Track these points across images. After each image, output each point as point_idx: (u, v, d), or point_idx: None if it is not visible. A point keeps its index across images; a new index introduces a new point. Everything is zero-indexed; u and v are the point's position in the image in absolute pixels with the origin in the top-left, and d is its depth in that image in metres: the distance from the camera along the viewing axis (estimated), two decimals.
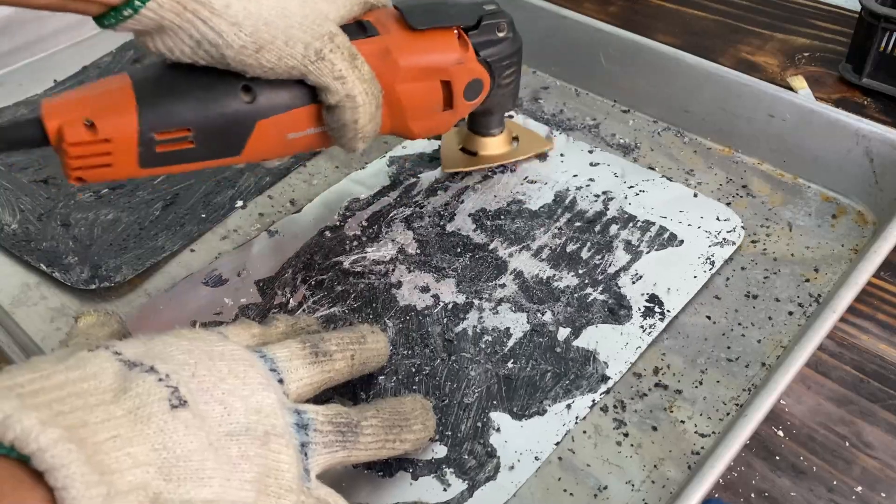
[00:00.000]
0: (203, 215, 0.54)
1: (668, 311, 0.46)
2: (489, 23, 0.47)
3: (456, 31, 0.46)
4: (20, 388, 0.26)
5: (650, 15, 0.75)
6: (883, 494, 0.38)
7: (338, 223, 0.52)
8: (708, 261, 0.49)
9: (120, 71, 0.43)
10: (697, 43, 0.70)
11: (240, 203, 0.55)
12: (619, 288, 0.47)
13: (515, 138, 0.57)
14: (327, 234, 0.52)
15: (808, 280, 0.48)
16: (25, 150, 0.55)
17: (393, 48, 0.43)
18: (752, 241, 0.50)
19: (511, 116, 0.61)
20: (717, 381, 0.42)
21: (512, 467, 0.39)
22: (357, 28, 0.44)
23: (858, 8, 0.61)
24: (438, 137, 0.58)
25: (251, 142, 0.41)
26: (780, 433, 0.41)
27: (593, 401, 0.41)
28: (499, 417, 0.41)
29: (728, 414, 0.41)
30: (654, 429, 0.40)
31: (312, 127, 0.43)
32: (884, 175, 0.52)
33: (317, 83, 0.40)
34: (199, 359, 0.31)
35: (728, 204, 0.53)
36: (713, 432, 0.40)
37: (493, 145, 0.55)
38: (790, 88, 0.63)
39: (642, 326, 0.45)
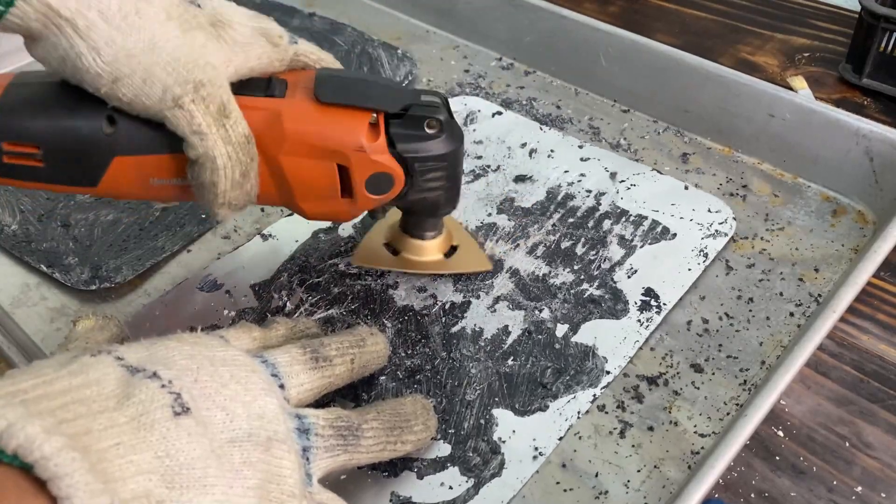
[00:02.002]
0: (203, 215, 0.54)
1: (665, 304, 0.46)
2: (416, 115, 0.40)
3: (373, 116, 0.40)
4: (23, 394, 0.26)
5: (650, 15, 0.75)
6: (883, 494, 0.38)
7: (332, 225, 0.52)
8: (701, 253, 0.49)
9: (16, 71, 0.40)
10: (697, 43, 0.70)
11: None
12: (615, 283, 0.47)
13: (454, 247, 0.49)
14: (321, 236, 0.52)
15: (807, 280, 0.48)
16: None
17: (286, 114, 0.38)
18: (752, 241, 0.50)
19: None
20: (717, 381, 0.42)
21: (516, 463, 0.39)
22: (262, 84, 0.40)
23: (858, 8, 0.61)
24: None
25: (108, 176, 0.38)
26: (780, 433, 0.41)
27: (594, 395, 0.42)
28: (501, 414, 0.41)
29: (728, 414, 0.41)
30: (654, 429, 0.40)
31: (178, 178, 0.39)
32: (884, 175, 0.52)
33: (175, 131, 0.36)
34: (201, 364, 0.31)
35: (721, 199, 0.53)
36: (713, 432, 0.40)
37: (420, 250, 0.48)
38: (790, 88, 0.63)
39: (639, 320, 0.45)
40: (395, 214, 0.48)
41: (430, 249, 0.48)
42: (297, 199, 0.40)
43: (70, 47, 0.34)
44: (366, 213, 0.43)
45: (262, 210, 0.54)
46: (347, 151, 0.39)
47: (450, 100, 0.63)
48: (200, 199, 0.39)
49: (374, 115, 0.40)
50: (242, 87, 0.39)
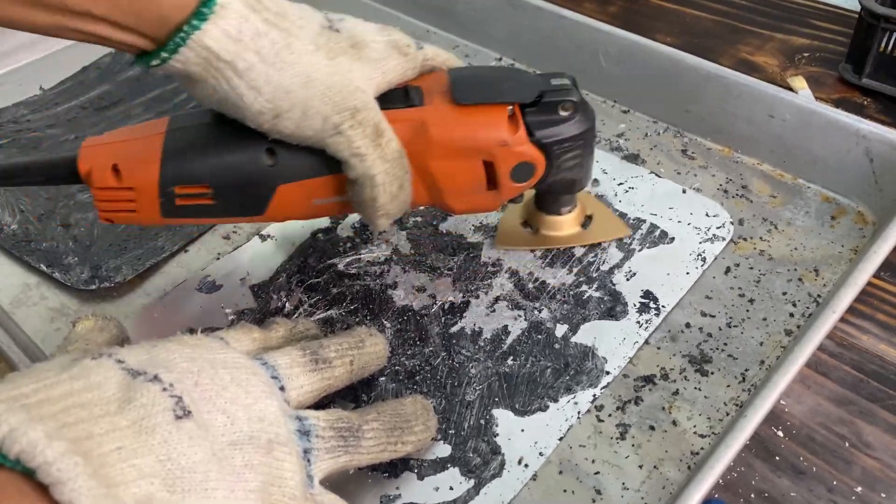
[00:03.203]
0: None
1: (664, 306, 0.46)
2: (550, 100, 0.41)
3: (510, 108, 0.41)
4: (25, 398, 0.26)
5: (650, 15, 0.75)
6: (883, 494, 0.38)
7: (330, 225, 0.52)
8: (699, 257, 0.49)
9: (166, 113, 0.42)
10: (697, 43, 0.70)
11: None
12: (614, 285, 0.47)
13: (589, 217, 0.51)
14: (320, 236, 0.52)
15: (807, 280, 0.48)
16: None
17: (430, 122, 0.40)
18: (752, 242, 0.50)
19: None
20: (717, 382, 0.42)
21: (517, 463, 0.39)
22: (400, 95, 0.41)
23: (858, 8, 0.61)
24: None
25: (273, 203, 0.41)
26: (780, 433, 0.41)
27: (594, 395, 0.42)
28: (501, 414, 0.41)
29: (728, 414, 0.41)
30: (654, 429, 0.40)
31: (338, 195, 0.41)
32: (884, 175, 0.52)
33: (335, 156, 0.38)
34: (202, 367, 0.31)
35: (720, 199, 0.53)
36: (713, 432, 0.40)
37: (559, 225, 0.49)
38: (790, 89, 0.63)
39: (639, 322, 0.45)
40: (528, 193, 0.48)
41: (568, 223, 0.50)
42: (446, 197, 0.42)
43: (231, 88, 0.36)
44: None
45: None
46: (492, 147, 0.40)
47: None
48: (361, 213, 0.41)
49: (511, 107, 0.41)
50: (384, 102, 0.40)
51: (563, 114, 0.42)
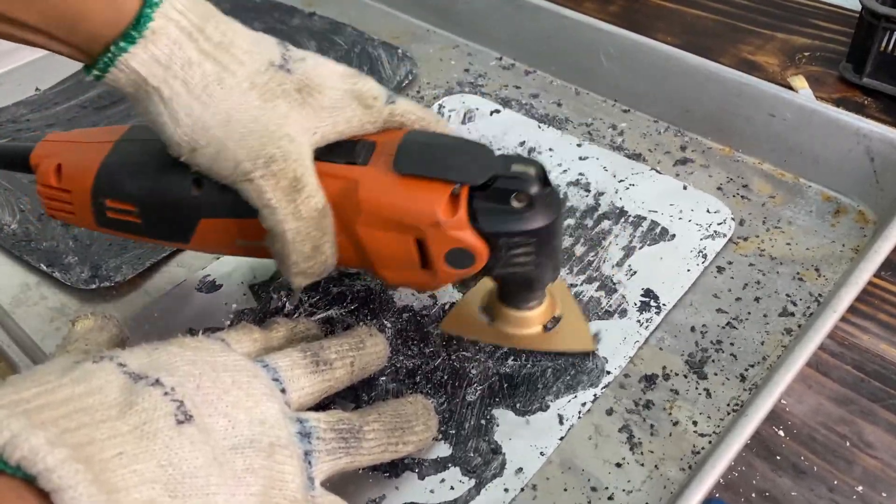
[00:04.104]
0: None
1: (664, 304, 0.46)
2: (501, 188, 0.36)
3: (457, 187, 0.36)
4: (26, 403, 0.26)
5: (650, 15, 0.75)
6: (884, 494, 0.38)
7: None
8: (700, 254, 0.49)
9: (132, 122, 0.42)
10: (697, 43, 0.70)
11: None
12: (615, 283, 0.47)
13: (556, 319, 0.44)
14: None
15: (808, 280, 0.48)
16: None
17: (363, 184, 0.37)
18: (753, 241, 0.50)
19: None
20: (718, 381, 0.42)
21: (517, 464, 0.39)
22: (348, 149, 0.38)
23: (859, 8, 0.61)
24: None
25: (197, 235, 0.40)
26: (781, 433, 0.41)
27: (595, 395, 0.42)
28: (502, 414, 0.41)
29: (728, 413, 0.41)
30: (654, 429, 0.40)
31: (260, 240, 0.38)
32: (884, 174, 0.52)
33: (248, 202, 0.36)
34: (203, 370, 0.31)
35: (721, 199, 0.53)
36: (713, 432, 0.40)
37: (517, 322, 0.43)
38: (790, 88, 0.63)
39: (639, 321, 0.45)
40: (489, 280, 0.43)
41: (528, 321, 0.43)
42: (377, 267, 0.39)
43: (157, 114, 0.35)
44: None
45: None
46: (422, 226, 0.36)
47: (447, 98, 0.63)
48: (278, 266, 0.39)
49: (458, 186, 0.37)
50: (328, 152, 0.38)
51: (516, 205, 0.37)
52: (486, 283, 0.44)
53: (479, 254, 0.37)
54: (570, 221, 0.52)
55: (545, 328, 0.44)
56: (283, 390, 0.34)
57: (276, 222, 0.36)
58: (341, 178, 0.37)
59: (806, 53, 0.68)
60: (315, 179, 0.36)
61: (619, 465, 0.39)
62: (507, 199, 0.37)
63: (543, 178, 0.37)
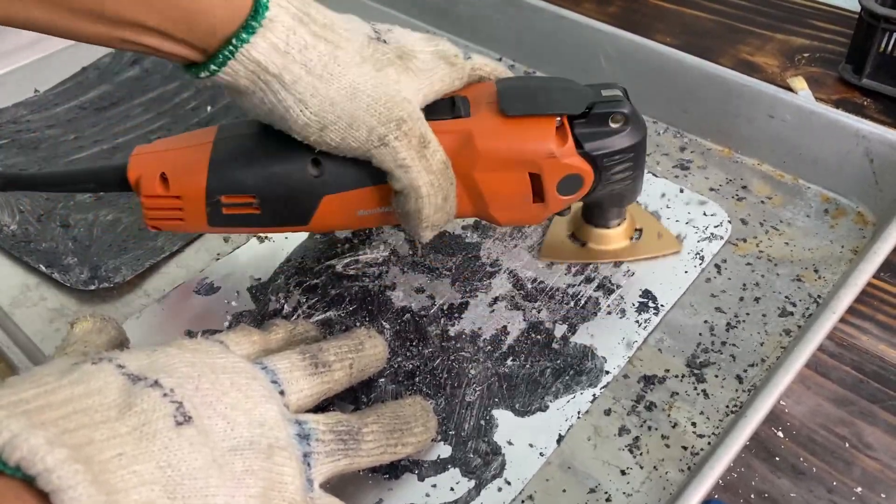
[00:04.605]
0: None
1: (662, 305, 0.46)
2: (600, 112, 0.40)
3: (558, 120, 0.40)
4: (25, 404, 0.26)
5: (650, 15, 0.75)
6: (883, 495, 0.38)
7: None
8: (697, 256, 0.49)
9: (214, 123, 0.43)
10: (697, 43, 0.70)
11: None
12: (612, 284, 0.47)
13: (639, 230, 0.50)
14: (318, 237, 0.52)
15: (807, 281, 0.48)
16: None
17: (476, 133, 0.40)
18: (752, 242, 0.50)
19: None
20: (717, 382, 0.42)
21: (517, 465, 0.39)
22: (447, 106, 0.41)
23: (858, 8, 0.61)
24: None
25: (318, 214, 0.41)
26: (780, 434, 0.41)
27: (594, 395, 0.42)
28: (501, 415, 0.41)
29: (727, 414, 0.41)
30: (654, 430, 0.40)
31: (382, 206, 0.41)
32: (884, 176, 0.52)
33: (381, 167, 0.38)
34: (202, 371, 0.31)
35: (721, 200, 0.53)
36: (712, 433, 0.40)
37: (607, 238, 0.48)
38: (790, 89, 0.63)
39: (637, 321, 0.45)
40: (575, 205, 0.47)
41: (616, 237, 0.48)
42: (491, 209, 0.42)
43: (278, 101, 0.36)
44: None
45: None
46: (539, 159, 0.40)
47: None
48: (405, 224, 0.41)
49: (559, 118, 0.40)
50: (431, 112, 0.40)
51: (614, 126, 0.41)
52: (567, 216, 0.49)
53: (587, 177, 0.41)
54: None
55: (632, 240, 0.49)
56: (281, 392, 0.34)
57: (412, 179, 0.38)
58: (453, 132, 0.40)
59: (805, 54, 0.68)
60: (434, 136, 0.39)
61: (618, 466, 0.39)
62: (605, 121, 0.41)
63: (628, 98, 0.42)
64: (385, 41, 0.39)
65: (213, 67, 0.35)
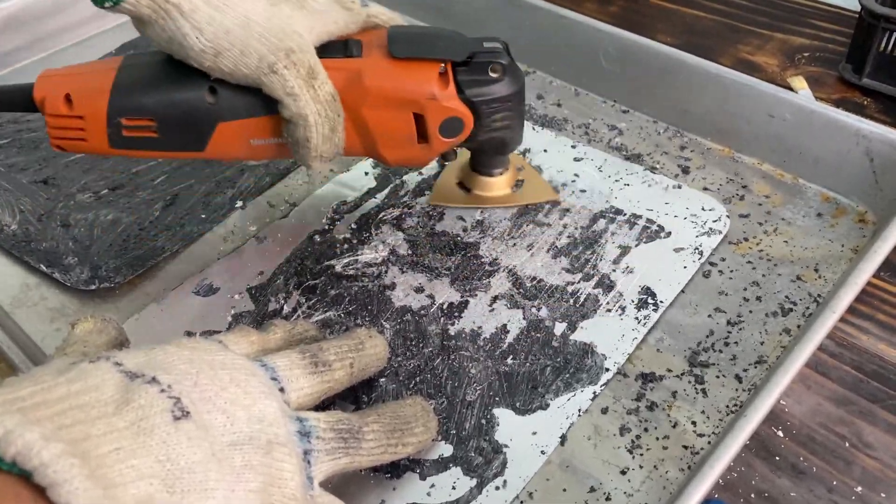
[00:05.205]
0: (203, 216, 0.54)
1: (662, 301, 0.46)
2: (481, 61, 0.44)
3: (442, 66, 0.43)
4: (21, 401, 0.26)
5: (650, 15, 0.75)
6: (883, 495, 0.38)
7: (326, 227, 0.52)
8: (696, 251, 0.49)
9: (122, 53, 0.45)
10: (697, 43, 0.70)
11: (239, 203, 0.55)
12: (612, 281, 0.47)
13: (521, 181, 0.54)
14: (317, 238, 0.52)
15: (807, 280, 0.48)
16: (16, 112, 0.56)
17: (365, 72, 0.43)
18: (752, 241, 0.50)
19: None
20: (717, 381, 0.42)
21: (518, 463, 0.39)
22: (340, 47, 0.44)
23: (858, 8, 0.61)
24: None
25: (213, 140, 0.43)
26: (780, 433, 0.41)
27: (594, 393, 0.42)
28: (502, 414, 0.41)
29: (728, 414, 0.41)
30: (654, 429, 0.40)
31: (275, 137, 0.43)
32: (884, 175, 0.52)
33: (271, 95, 0.41)
34: (200, 368, 0.31)
35: (721, 199, 0.53)
36: (713, 432, 0.40)
37: (490, 186, 0.53)
38: (790, 88, 0.63)
39: (637, 318, 0.45)
40: (464, 156, 0.52)
41: (499, 185, 0.52)
42: (379, 147, 0.45)
43: (176, 29, 0.39)
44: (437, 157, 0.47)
45: (271, 205, 0.54)
46: (422, 100, 0.43)
47: None
48: (296, 154, 0.43)
49: (443, 64, 0.43)
50: (324, 51, 0.43)
51: (493, 75, 0.44)
52: (456, 164, 0.54)
53: (467, 121, 0.44)
54: (566, 220, 0.52)
55: (513, 189, 0.53)
56: (281, 389, 0.34)
57: (300, 107, 0.40)
58: (344, 69, 0.43)
59: (805, 54, 0.68)
60: (323, 69, 0.41)
61: (618, 465, 0.39)
62: (485, 70, 0.44)
63: (508, 51, 0.45)
64: None
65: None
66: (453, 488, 0.38)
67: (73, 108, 0.42)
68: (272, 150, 0.44)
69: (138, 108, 0.42)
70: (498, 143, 0.48)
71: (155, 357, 0.30)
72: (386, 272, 0.49)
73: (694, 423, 0.40)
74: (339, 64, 0.43)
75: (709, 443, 0.39)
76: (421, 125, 0.44)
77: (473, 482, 0.38)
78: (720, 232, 0.50)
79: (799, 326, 0.45)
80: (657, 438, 0.40)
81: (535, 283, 0.48)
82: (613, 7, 0.76)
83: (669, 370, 0.43)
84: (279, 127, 0.42)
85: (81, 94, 0.42)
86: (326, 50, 0.43)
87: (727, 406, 0.41)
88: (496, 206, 0.52)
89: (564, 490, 0.38)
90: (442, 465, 0.39)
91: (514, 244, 0.50)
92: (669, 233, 0.51)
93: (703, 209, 0.52)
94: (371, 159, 0.58)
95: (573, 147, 0.58)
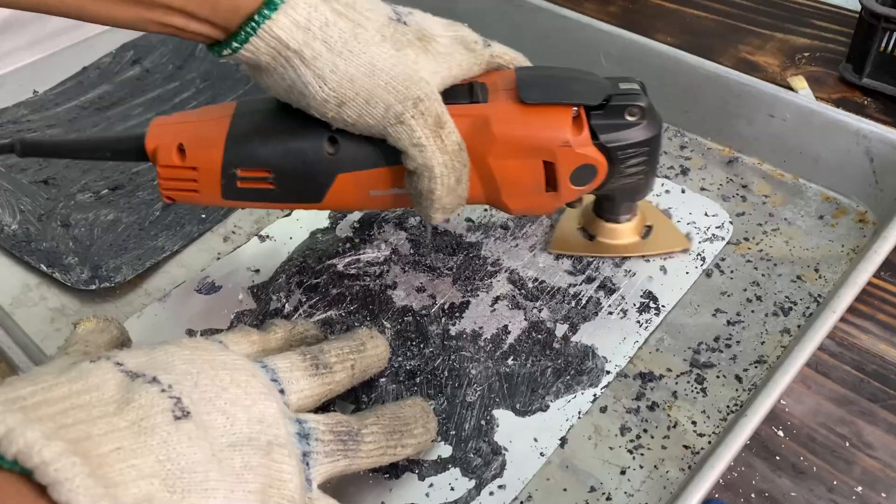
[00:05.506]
0: (203, 215, 0.54)
1: (663, 305, 0.46)
2: (617, 104, 0.41)
3: (575, 110, 0.41)
4: (22, 400, 0.26)
5: (650, 15, 0.75)
6: (883, 494, 0.38)
7: (329, 225, 0.52)
8: (699, 257, 0.49)
9: (233, 98, 0.44)
10: (697, 43, 0.70)
11: None
12: (613, 284, 0.47)
13: (649, 227, 0.50)
14: (319, 236, 0.52)
15: (808, 280, 0.48)
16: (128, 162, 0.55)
17: (493, 118, 0.40)
18: (753, 241, 0.50)
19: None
20: (717, 381, 0.42)
21: (518, 464, 0.39)
22: (465, 91, 0.41)
23: (858, 8, 0.61)
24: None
25: (332, 191, 0.41)
26: (781, 433, 0.41)
27: (595, 395, 0.42)
28: (502, 415, 0.41)
29: (728, 414, 0.41)
30: (654, 429, 0.40)
31: (396, 187, 0.41)
32: (884, 175, 0.52)
33: (396, 146, 0.39)
34: (201, 368, 0.31)
35: (721, 199, 0.53)
36: (713, 432, 0.40)
37: (617, 233, 0.49)
38: (790, 88, 0.63)
39: (638, 321, 0.45)
40: (587, 198, 0.48)
41: (626, 232, 0.49)
42: (503, 196, 0.42)
43: (297, 77, 0.37)
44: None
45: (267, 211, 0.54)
46: (554, 147, 0.40)
47: None
48: (418, 205, 0.41)
49: (576, 108, 0.41)
50: (448, 96, 0.40)
51: (630, 118, 0.41)
52: (579, 207, 0.49)
53: (601, 167, 0.41)
54: None
55: (642, 237, 0.49)
56: (281, 391, 0.34)
57: (426, 158, 0.38)
58: (470, 116, 0.40)
59: (806, 54, 0.68)
60: (450, 118, 0.39)
61: (618, 465, 0.39)
62: (621, 114, 0.41)
63: (645, 92, 0.42)
64: (405, 23, 0.40)
65: (235, 45, 0.36)
66: (452, 489, 0.38)
67: (187, 159, 0.40)
68: (392, 200, 0.42)
69: (254, 159, 0.40)
70: (630, 190, 0.45)
71: (156, 357, 0.30)
72: (388, 271, 0.49)
73: (694, 422, 0.40)
74: (464, 111, 0.40)
75: (709, 443, 0.39)
76: (550, 173, 0.41)
77: (472, 483, 0.38)
78: (723, 238, 0.50)
79: (799, 326, 0.45)
80: (658, 438, 0.40)
81: (536, 284, 0.48)
82: (613, 7, 0.76)
83: (670, 370, 0.43)
84: (401, 177, 0.41)
85: (195, 144, 0.40)
86: (451, 95, 0.40)
87: (727, 406, 0.41)
88: (622, 255, 0.49)
89: (565, 490, 0.38)
90: (441, 465, 0.39)
91: (517, 245, 0.50)
92: None
93: (706, 214, 0.52)
94: None
95: None
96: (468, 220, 0.52)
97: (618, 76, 0.43)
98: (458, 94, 0.41)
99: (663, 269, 0.48)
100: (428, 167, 0.39)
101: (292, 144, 0.40)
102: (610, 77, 0.43)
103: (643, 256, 0.49)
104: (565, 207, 0.47)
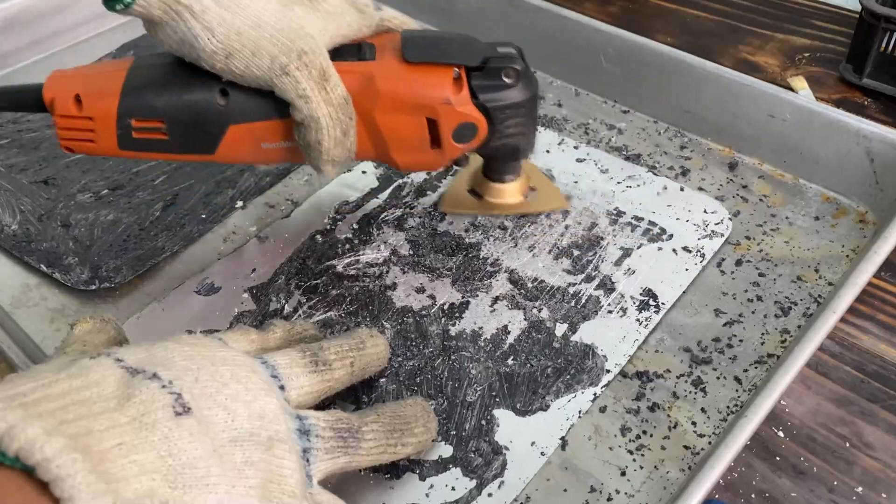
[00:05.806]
0: (203, 216, 0.54)
1: (663, 303, 0.46)
2: (494, 66, 0.43)
3: (455, 70, 0.43)
4: (23, 397, 0.26)
5: (650, 15, 0.75)
6: (884, 495, 0.38)
7: (328, 227, 0.52)
8: (698, 253, 0.49)
9: (132, 55, 0.45)
10: (697, 43, 0.70)
11: (240, 203, 0.55)
12: (613, 283, 0.47)
13: (533, 189, 0.53)
14: (318, 238, 0.52)
15: (808, 280, 0.48)
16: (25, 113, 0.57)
17: (378, 76, 0.42)
18: (753, 242, 0.50)
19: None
20: (718, 382, 0.42)
21: (518, 464, 0.39)
22: (353, 50, 0.43)
23: (859, 8, 0.61)
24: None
25: (224, 143, 0.42)
26: (781, 433, 0.41)
27: (595, 394, 0.42)
28: (502, 414, 0.41)
29: (728, 414, 0.41)
30: (654, 429, 0.40)
31: (286, 140, 0.43)
32: (884, 175, 0.52)
33: (282, 97, 0.40)
34: (201, 364, 0.31)
35: (721, 199, 0.53)
36: (713, 432, 0.40)
37: (502, 193, 0.51)
38: (790, 89, 0.63)
39: (638, 320, 0.45)
40: (476, 162, 0.51)
41: (511, 192, 0.52)
42: (392, 151, 0.44)
43: (188, 30, 0.39)
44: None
45: (270, 206, 0.54)
46: (435, 105, 0.42)
47: None
48: (307, 157, 0.43)
49: (457, 69, 0.43)
50: (337, 54, 0.42)
51: (507, 80, 0.43)
52: (468, 170, 0.53)
53: (481, 126, 0.44)
54: (568, 221, 0.52)
55: (525, 197, 0.52)
56: (281, 387, 0.34)
57: (312, 110, 0.40)
58: (356, 73, 0.42)
59: (806, 54, 0.68)
60: (336, 72, 0.41)
61: (618, 465, 0.39)
62: (499, 76, 0.43)
63: (523, 57, 0.45)
64: None
65: (126, 1, 0.37)
66: (452, 489, 0.38)
67: (83, 108, 0.41)
68: (283, 154, 0.44)
69: (148, 109, 0.41)
70: (511, 150, 0.47)
71: (156, 353, 0.30)
72: (387, 272, 0.49)
73: (694, 423, 0.40)
74: (351, 67, 0.42)
75: (709, 443, 0.39)
76: (434, 130, 0.43)
77: (473, 483, 0.38)
78: (722, 235, 0.50)
79: (799, 327, 0.45)
80: (658, 439, 0.40)
81: (536, 283, 0.48)
82: (613, 7, 0.76)
83: (669, 370, 0.43)
84: (290, 130, 0.42)
85: (91, 94, 0.41)
86: (339, 53, 0.42)
87: (727, 406, 0.41)
88: (507, 213, 0.52)
89: (565, 490, 0.38)
90: (442, 465, 0.39)
91: (516, 245, 0.50)
92: (672, 235, 0.50)
93: (705, 211, 0.52)
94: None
95: (575, 148, 0.58)
96: (461, 218, 0.52)
97: (497, 41, 0.45)
98: (347, 52, 0.43)
99: (663, 266, 0.48)
100: (314, 118, 0.40)
101: (185, 96, 0.41)
102: (490, 42, 0.45)
103: (526, 213, 0.52)
104: (454, 168, 0.49)
